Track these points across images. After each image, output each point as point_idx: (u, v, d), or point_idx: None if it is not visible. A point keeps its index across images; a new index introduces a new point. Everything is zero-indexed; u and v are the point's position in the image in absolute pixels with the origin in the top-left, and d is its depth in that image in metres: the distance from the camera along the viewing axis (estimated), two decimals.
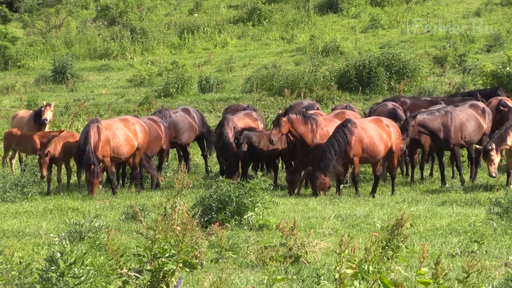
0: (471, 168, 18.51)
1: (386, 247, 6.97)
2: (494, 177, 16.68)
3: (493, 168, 16.41)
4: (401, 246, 6.98)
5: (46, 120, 20.43)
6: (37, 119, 20.66)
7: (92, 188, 16.71)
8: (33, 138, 19.02)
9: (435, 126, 17.38)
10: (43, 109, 20.65)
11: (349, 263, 6.79)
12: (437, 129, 17.39)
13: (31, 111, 22.04)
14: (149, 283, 6.72)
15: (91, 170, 16.59)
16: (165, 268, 6.60)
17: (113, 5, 53.15)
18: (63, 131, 18.94)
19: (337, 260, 6.79)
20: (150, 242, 6.63)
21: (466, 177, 18.29)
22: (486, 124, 18.12)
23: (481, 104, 18.66)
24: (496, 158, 16.45)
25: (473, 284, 6.95)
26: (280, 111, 18.46)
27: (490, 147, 16.35)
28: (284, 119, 17.22)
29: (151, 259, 6.59)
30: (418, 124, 17.24)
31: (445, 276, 6.81)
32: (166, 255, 6.63)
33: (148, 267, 6.71)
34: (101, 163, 17.16)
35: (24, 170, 18.68)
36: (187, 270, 6.71)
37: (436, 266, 6.79)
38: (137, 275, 6.65)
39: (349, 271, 6.68)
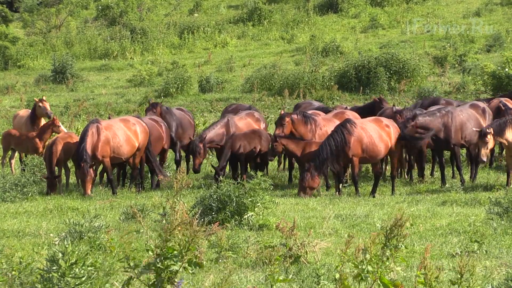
0: (471, 168, 18.51)
1: (385, 247, 6.98)
2: (484, 162, 16.69)
3: (485, 153, 16.44)
4: (400, 246, 6.98)
5: (52, 113, 20.08)
6: (31, 118, 20.51)
7: (84, 186, 16.71)
8: (34, 138, 19.01)
9: (435, 127, 17.38)
10: (40, 104, 20.31)
11: (351, 264, 6.79)
12: (437, 130, 17.40)
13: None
14: (154, 280, 6.72)
15: (81, 167, 16.59)
16: (171, 269, 6.60)
17: (113, 4, 53.15)
18: (55, 120, 19.05)
19: (340, 260, 6.79)
20: (163, 241, 6.62)
21: (466, 177, 18.30)
22: (487, 124, 18.09)
23: (481, 104, 18.66)
24: (490, 143, 16.47)
25: (468, 285, 6.95)
26: (282, 112, 18.48)
27: (488, 130, 16.43)
28: (288, 119, 17.47)
29: (160, 259, 6.58)
30: (418, 126, 17.24)
31: (437, 279, 6.81)
32: (173, 255, 6.63)
33: (157, 266, 6.70)
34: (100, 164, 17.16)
35: (24, 170, 18.68)
36: (191, 270, 6.71)
37: (425, 270, 6.79)
38: (144, 269, 6.64)
39: (353, 271, 6.70)
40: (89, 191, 16.61)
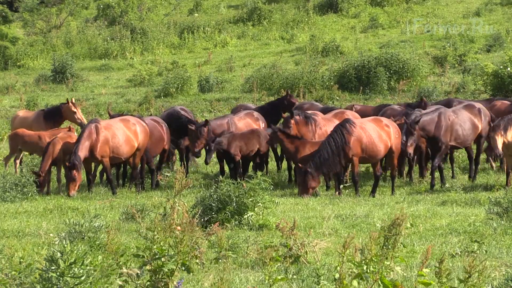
0: (471, 168, 18.50)
1: (384, 247, 6.97)
2: (501, 155, 16.59)
3: (502, 147, 16.37)
4: (399, 245, 6.98)
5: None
6: (49, 118, 20.25)
7: (67, 185, 16.76)
8: (43, 138, 18.86)
9: (431, 127, 17.35)
10: (74, 109, 19.91)
11: (350, 264, 6.79)
12: (430, 130, 17.35)
13: (34, 111, 21.78)
14: (148, 283, 6.72)
15: (68, 169, 16.65)
16: (164, 269, 6.60)
17: (114, 3, 53.07)
18: (70, 129, 18.94)
19: (339, 261, 6.79)
20: (149, 242, 6.63)
21: (466, 177, 18.36)
22: (482, 125, 18.06)
23: (477, 105, 18.56)
24: (500, 138, 16.41)
25: (474, 284, 6.95)
26: (284, 115, 18.50)
27: (498, 125, 16.45)
28: (293, 121, 17.49)
29: (151, 259, 6.59)
30: (421, 128, 17.23)
31: (448, 276, 6.82)
32: (166, 255, 6.63)
33: (148, 267, 6.70)
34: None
35: (22, 169, 18.66)
36: (183, 270, 6.72)
37: (440, 265, 6.79)
38: (138, 272, 6.64)
39: (353, 271, 6.69)
40: (72, 192, 16.62)
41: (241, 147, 18.11)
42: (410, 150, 17.10)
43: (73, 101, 20.30)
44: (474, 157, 18.40)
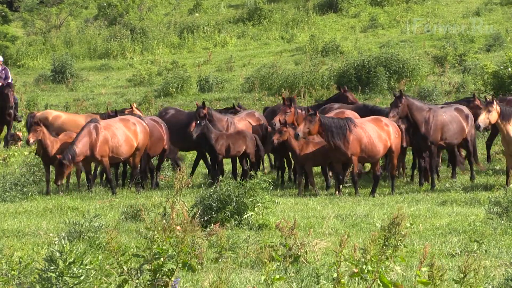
0: (453, 170, 18.51)
1: (384, 246, 6.97)
2: (479, 127, 16.53)
3: (483, 119, 16.30)
4: (399, 245, 6.97)
5: None
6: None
7: (55, 176, 16.78)
8: None
9: (420, 117, 17.28)
10: (137, 113, 19.48)
11: (349, 263, 6.79)
12: (420, 122, 17.29)
13: (82, 115, 21.40)
14: (149, 282, 6.71)
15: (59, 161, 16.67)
16: (164, 268, 6.59)
17: (116, 1, 53.03)
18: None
19: (336, 260, 6.78)
20: (149, 242, 6.62)
21: (466, 177, 18.38)
22: (468, 129, 18.09)
23: (465, 110, 18.53)
24: (494, 114, 16.36)
25: (471, 284, 6.95)
26: (284, 95, 18.38)
27: (495, 101, 16.41)
28: (317, 118, 16.83)
29: (150, 259, 6.58)
30: (407, 105, 17.17)
31: (442, 277, 6.81)
32: (166, 255, 6.63)
33: (147, 267, 6.70)
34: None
35: (22, 169, 18.64)
36: (186, 270, 6.71)
37: (431, 268, 6.78)
38: (138, 271, 6.64)
39: (351, 270, 6.69)
40: (58, 182, 16.70)
41: (227, 147, 18.02)
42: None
43: (135, 105, 20.10)
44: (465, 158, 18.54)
